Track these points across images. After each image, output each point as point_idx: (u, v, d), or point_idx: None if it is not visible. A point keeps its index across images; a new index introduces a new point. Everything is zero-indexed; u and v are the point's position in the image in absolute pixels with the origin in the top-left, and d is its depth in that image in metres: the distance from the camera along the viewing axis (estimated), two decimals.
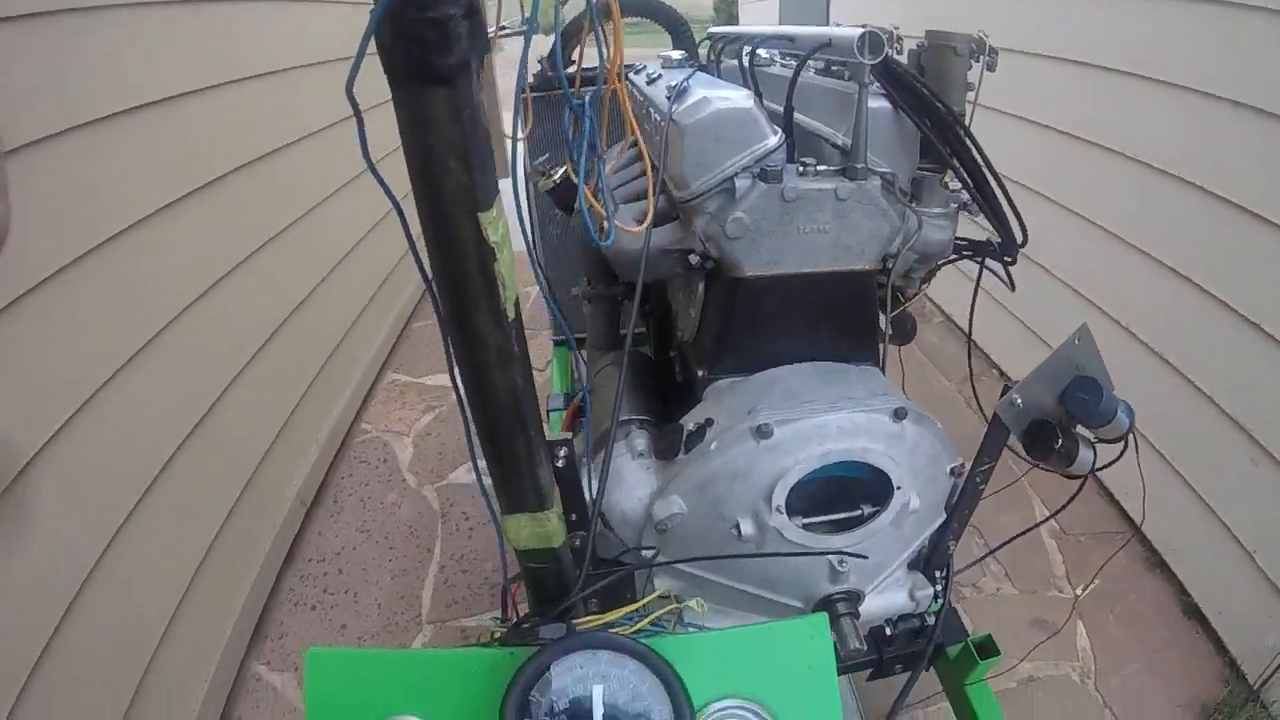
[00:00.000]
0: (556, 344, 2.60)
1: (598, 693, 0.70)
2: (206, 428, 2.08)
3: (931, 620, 1.38)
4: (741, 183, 1.07)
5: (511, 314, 0.58)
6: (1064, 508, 1.34)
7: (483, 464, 0.74)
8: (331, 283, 3.03)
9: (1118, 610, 2.21)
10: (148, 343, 1.88)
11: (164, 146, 2.01)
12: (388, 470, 2.92)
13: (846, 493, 1.12)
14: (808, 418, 1.06)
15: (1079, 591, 1.58)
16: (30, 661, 1.46)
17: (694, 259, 1.11)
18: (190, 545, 2.03)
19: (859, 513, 1.12)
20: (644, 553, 1.10)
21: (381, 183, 0.57)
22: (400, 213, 0.61)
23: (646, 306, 1.58)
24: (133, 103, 1.86)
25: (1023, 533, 1.65)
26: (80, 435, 1.61)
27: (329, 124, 3.06)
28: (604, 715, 0.70)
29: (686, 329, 1.23)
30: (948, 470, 1.20)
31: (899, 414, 1.09)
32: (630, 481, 1.12)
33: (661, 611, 0.81)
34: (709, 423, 1.10)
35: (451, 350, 0.62)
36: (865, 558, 1.10)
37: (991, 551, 1.68)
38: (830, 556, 1.10)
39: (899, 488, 1.11)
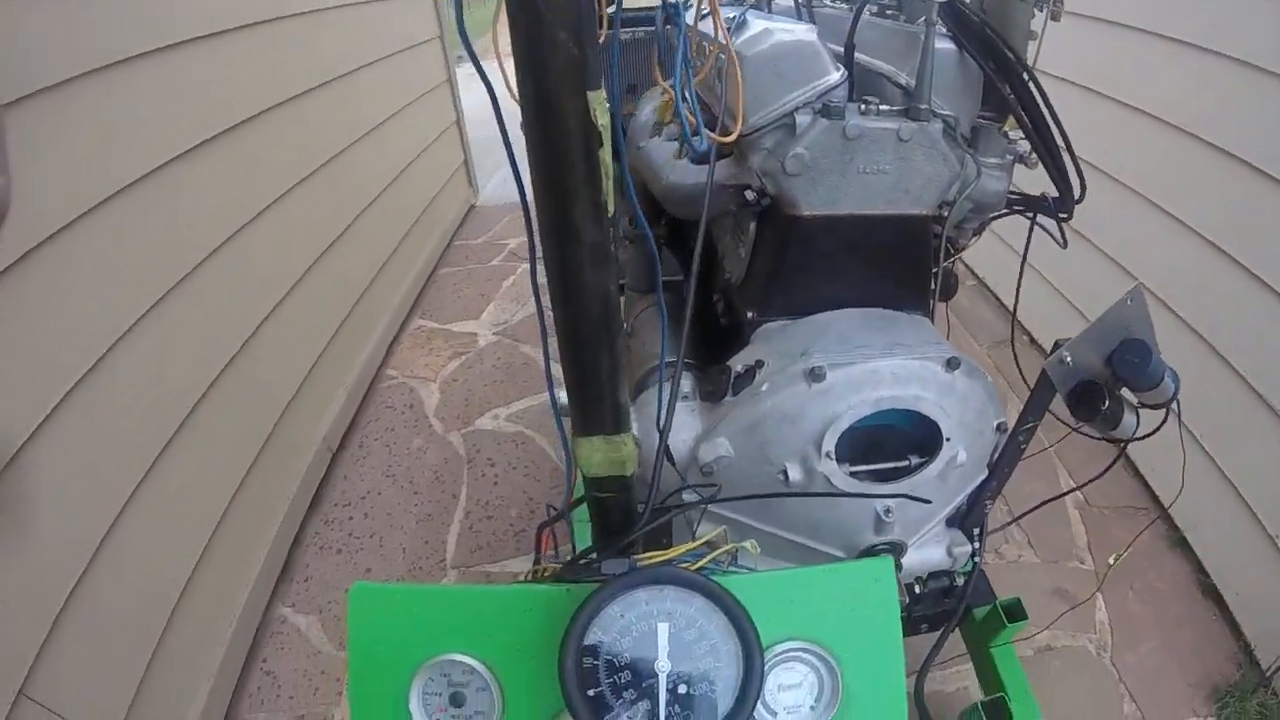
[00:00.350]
0: None
1: (663, 630, 0.67)
2: (233, 373, 2.07)
3: (960, 581, 1.37)
4: (802, 118, 1.03)
5: (611, 209, 0.53)
6: (1104, 473, 1.30)
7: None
8: (358, 228, 2.99)
9: (1137, 586, 2.18)
10: (174, 286, 1.86)
11: (189, 89, 1.97)
12: (414, 416, 2.90)
13: (894, 442, 1.09)
14: (862, 363, 1.02)
15: (1111, 560, 1.54)
16: (57, 607, 1.46)
17: (749, 195, 1.06)
18: (217, 490, 2.02)
19: (907, 463, 1.09)
20: (703, 492, 1.06)
21: (473, 57, 0.52)
22: (490, 90, 0.55)
23: (689, 248, 1.53)
24: (158, 44, 1.82)
25: (1053, 498, 1.62)
26: (106, 380, 1.60)
27: (358, 66, 3.01)
28: (669, 653, 0.66)
29: (735, 270, 1.19)
30: (994, 426, 1.16)
31: (952, 364, 1.05)
32: (675, 424, 1.09)
33: (717, 552, 0.77)
34: (759, 364, 1.06)
35: (540, 248, 0.57)
36: (929, 501, 1.06)
37: (1022, 515, 1.64)
38: (876, 506, 1.07)
39: (948, 439, 1.08)
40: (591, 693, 0.66)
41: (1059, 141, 1.14)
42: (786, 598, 0.75)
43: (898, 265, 1.14)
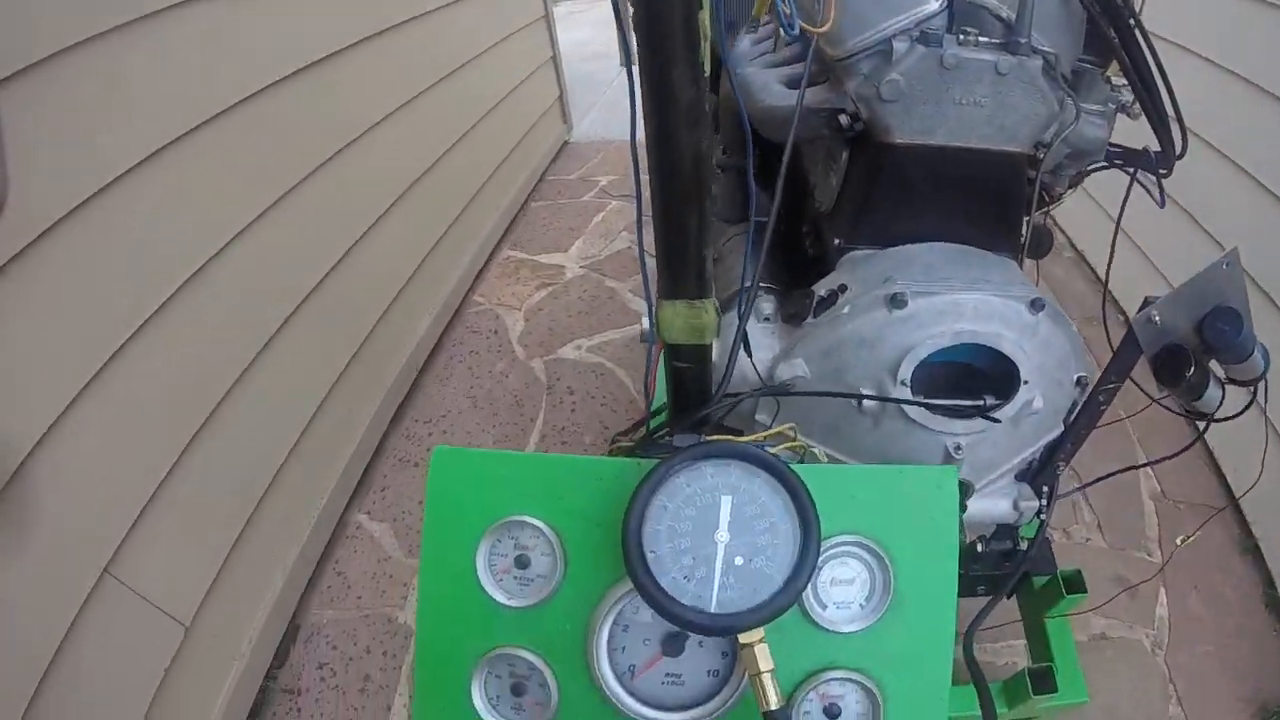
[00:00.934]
0: None
1: (726, 503, 0.68)
2: (325, 290, 2.15)
3: (1023, 545, 1.34)
4: (899, 45, 1.01)
5: (707, 70, 0.54)
6: (1183, 451, 1.25)
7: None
8: (452, 158, 3.05)
9: (1201, 587, 2.10)
10: (278, 200, 1.94)
11: (289, 19, 2.04)
12: (498, 341, 2.96)
13: (969, 380, 1.07)
14: (944, 293, 1.01)
15: (1179, 541, 1.48)
16: (148, 492, 1.55)
17: (843, 120, 1.05)
18: (306, 395, 2.12)
19: (982, 402, 1.07)
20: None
21: None
22: None
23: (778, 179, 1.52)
24: None
25: (1127, 468, 1.56)
26: (203, 291, 1.69)
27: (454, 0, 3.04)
28: (729, 525, 0.68)
29: (824, 198, 1.18)
30: (1074, 379, 1.13)
31: (1036, 305, 1.03)
32: (755, 342, 1.10)
33: (783, 446, 0.78)
34: (842, 289, 1.06)
35: (639, 108, 0.58)
36: (998, 421, 1.04)
37: (1093, 481, 1.58)
38: (946, 442, 1.05)
39: (1025, 382, 1.05)
40: (651, 554, 0.68)
41: (1163, 93, 1.08)
42: (849, 492, 0.76)
43: (989, 204, 1.12)
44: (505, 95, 3.68)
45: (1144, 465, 2.27)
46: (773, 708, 0.66)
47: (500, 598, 0.80)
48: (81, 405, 1.40)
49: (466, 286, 3.19)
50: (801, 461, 0.81)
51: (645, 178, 0.73)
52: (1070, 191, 1.30)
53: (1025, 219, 1.19)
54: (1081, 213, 3.11)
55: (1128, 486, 2.31)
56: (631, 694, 0.76)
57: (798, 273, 1.24)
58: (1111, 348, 1.19)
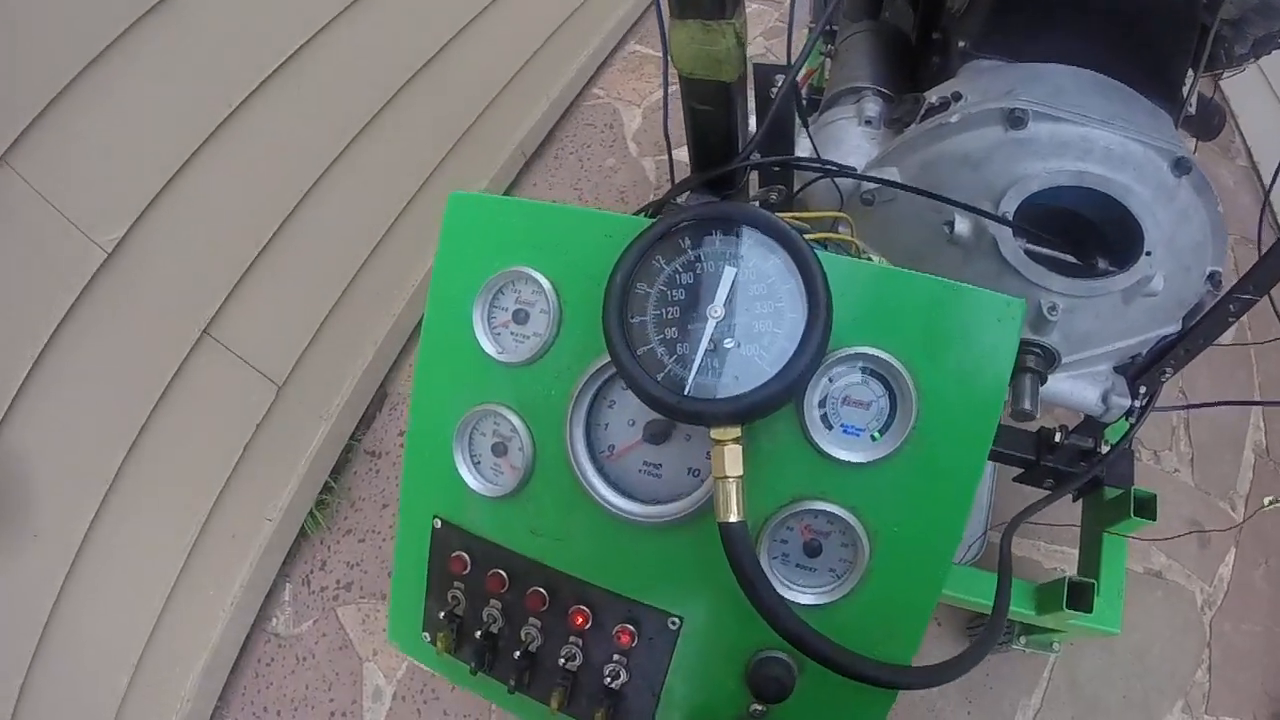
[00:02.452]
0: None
1: (728, 275, 0.54)
2: (436, 66, 1.99)
3: (1105, 449, 1.17)
4: None
5: None
6: None
7: None
8: None
9: (1273, 563, 1.85)
10: None
11: None
12: (612, 136, 2.75)
13: (1081, 234, 0.86)
14: (1073, 123, 0.81)
15: (1266, 502, 1.25)
16: (248, 259, 1.52)
17: None
18: (406, 178, 2.01)
19: (1093, 262, 0.86)
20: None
21: None
22: None
23: None
24: None
25: (1238, 402, 1.30)
26: (312, 59, 1.58)
27: None
28: (726, 301, 0.54)
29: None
30: (1206, 272, 0.91)
31: (1181, 165, 0.82)
32: (849, 145, 0.93)
33: (835, 236, 0.62)
34: (956, 96, 0.87)
35: None
36: (1113, 272, 0.85)
37: (1196, 405, 1.35)
38: (1041, 300, 0.86)
39: (1148, 254, 0.85)
40: (635, 320, 0.56)
41: None
42: (887, 299, 0.62)
43: (1148, 39, 0.91)
44: None
45: (1262, 404, 1.94)
46: (731, 519, 0.54)
47: (491, 350, 0.71)
48: (189, 171, 1.37)
49: (586, 78, 2.92)
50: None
51: None
52: (1251, 60, 1.02)
53: (1191, 74, 0.97)
54: (1268, 114, 2.56)
55: (1233, 430, 2.02)
56: (602, 474, 0.68)
57: (919, 84, 1.03)
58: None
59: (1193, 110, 1.08)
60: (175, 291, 1.42)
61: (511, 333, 0.71)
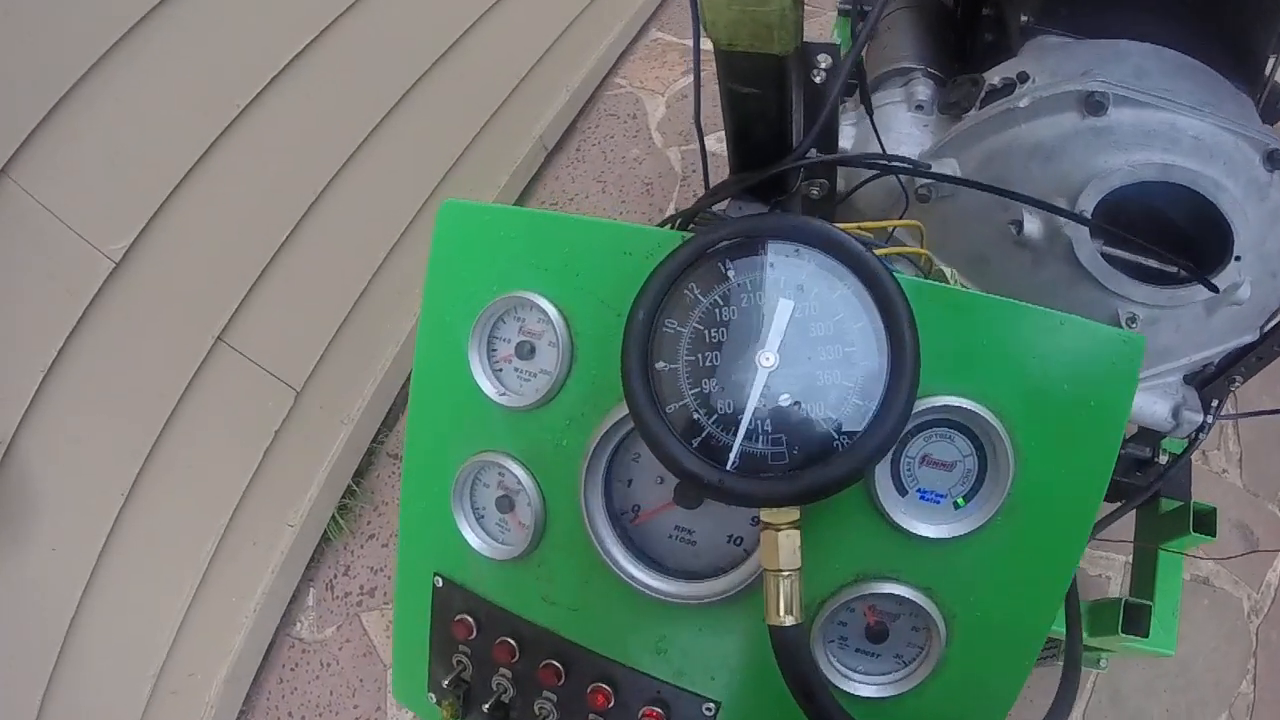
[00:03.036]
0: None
1: (784, 310, 0.39)
2: (454, 58, 1.83)
3: (1164, 459, 1.02)
4: None
5: None
6: None
7: None
8: None
9: None
10: None
11: None
12: (635, 126, 2.55)
13: (1157, 237, 0.71)
14: (1159, 108, 0.64)
15: None
16: (259, 266, 1.42)
17: None
18: (423, 175, 1.86)
19: (1174, 270, 0.71)
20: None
21: None
22: None
23: None
24: None
25: None
26: (325, 52, 1.45)
27: None
28: (781, 346, 0.39)
29: None
30: None
31: (1274, 159, 0.67)
32: (898, 133, 0.77)
33: (910, 249, 0.47)
34: (1022, 78, 0.71)
35: None
36: (1218, 290, 0.70)
37: (1257, 414, 1.19)
38: (1120, 309, 0.71)
39: (1237, 258, 0.69)
40: (662, 367, 0.41)
41: None
42: (978, 335, 0.46)
43: (1228, 16, 0.76)
44: None
45: None
46: (782, 623, 0.40)
47: (491, 392, 0.56)
48: (197, 175, 1.27)
49: (607, 67, 2.70)
50: (925, 276, 0.50)
51: None
52: None
53: (1271, 56, 0.81)
54: None
55: None
56: (624, 542, 0.53)
57: (969, 62, 0.87)
58: None
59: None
60: (187, 299, 1.33)
61: (515, 369, 0.56)
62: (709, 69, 0.51)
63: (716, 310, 0.42)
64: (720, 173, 0.65)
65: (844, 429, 0.40)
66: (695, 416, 0.41)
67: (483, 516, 0.60)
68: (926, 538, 0.47)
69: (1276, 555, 1.67)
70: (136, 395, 1.29)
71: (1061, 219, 0.70)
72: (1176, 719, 1.52)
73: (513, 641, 0.60)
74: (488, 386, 0.56)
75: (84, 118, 1.11)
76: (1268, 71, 0.82)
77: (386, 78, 1.65)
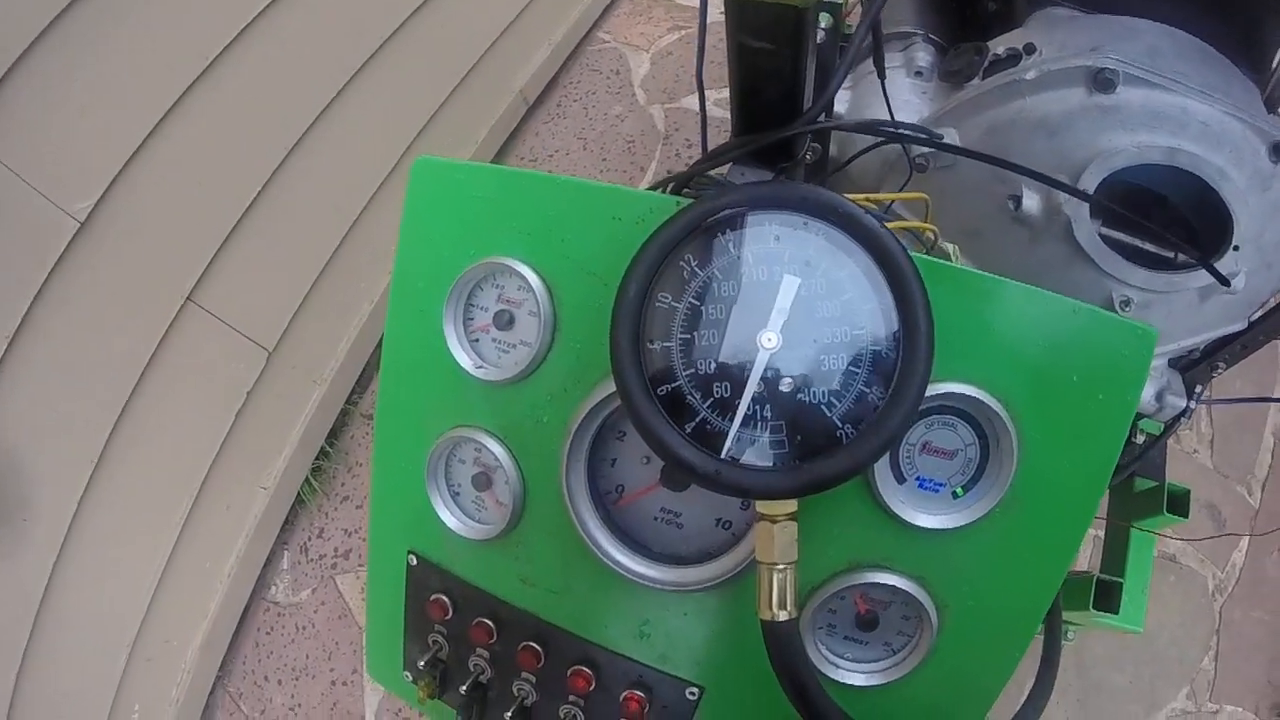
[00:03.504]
0: None
1: (789, 287, 0.36)
2: (431, 9, 1.74)
3: (1141, 439, 1.04)
4: None
5: None
6: None
7: None
8: None
9: None
10: None
11: None
12: (619, 83, 2.45)
13: (1155, 216, 0.69)
14: (1169, 90, 0.61)
15: None
16: (228, 225, 1.36)
17: None
18: (399, 128, 1.78)
19: (1173, 255, 0.69)
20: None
21: None
22: None
23: None
24: None
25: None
26: (297, 5, 1.38)
27: None
28: (784, 324, 0.36)
29: None
30: None
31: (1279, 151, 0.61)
32: (896, 99, 0.74)
33: (918, 224, 0.44)
34: (1029, 49, 0.67)
35: None
36: (1228, 284, 0.69)
37: (1231, 400, 1.19)
38: (1115, 292, 0.69)
39: (1236, 248, 0.66)
40: (654, 345, 0.37)
41: None
42: (985, 319, 0.43)
43: (1243, 2, 0.73)
44: None
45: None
46: (776, 618, 0.37)
47: (467, 364, 0.52)
48: (164, 131, 1.21)
49: (591, 21, 2.59)
50: (927, 253, 0.47)
51: None
52: None
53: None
54: None
55: (1253, 415, 1.86)
56: (608, 524, 0.50)
57: (972, 30, 0.83)
58: None
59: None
60: (155, 259, 1.27)
61: (494, 340, 0.53)
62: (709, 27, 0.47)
63: (715, 285, 0.38)
64: (717, 136, 0.61)
65: (849, 419, 0.37)
66: (689, 400, 0.38)
67: (458, 494, 0.57)
68: (923, 528, 0.44)
69: (1243, 536, 1.70)
70: (105, 358, 1.24)
71: (1061, 197, 0.67)
72: (1139, 691, 1.55)
73: (490, 623, 0.57)
74: (463, 359, 0.52)
75: (46, 75, 1.06)
76: (1275, 62, 0.80)
77: (362, 28, 1.57)
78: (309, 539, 1.66)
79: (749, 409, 0.37)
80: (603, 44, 2.59)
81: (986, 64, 0.71)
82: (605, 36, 2.61)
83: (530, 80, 2.26)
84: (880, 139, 0.61)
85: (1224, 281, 0.65)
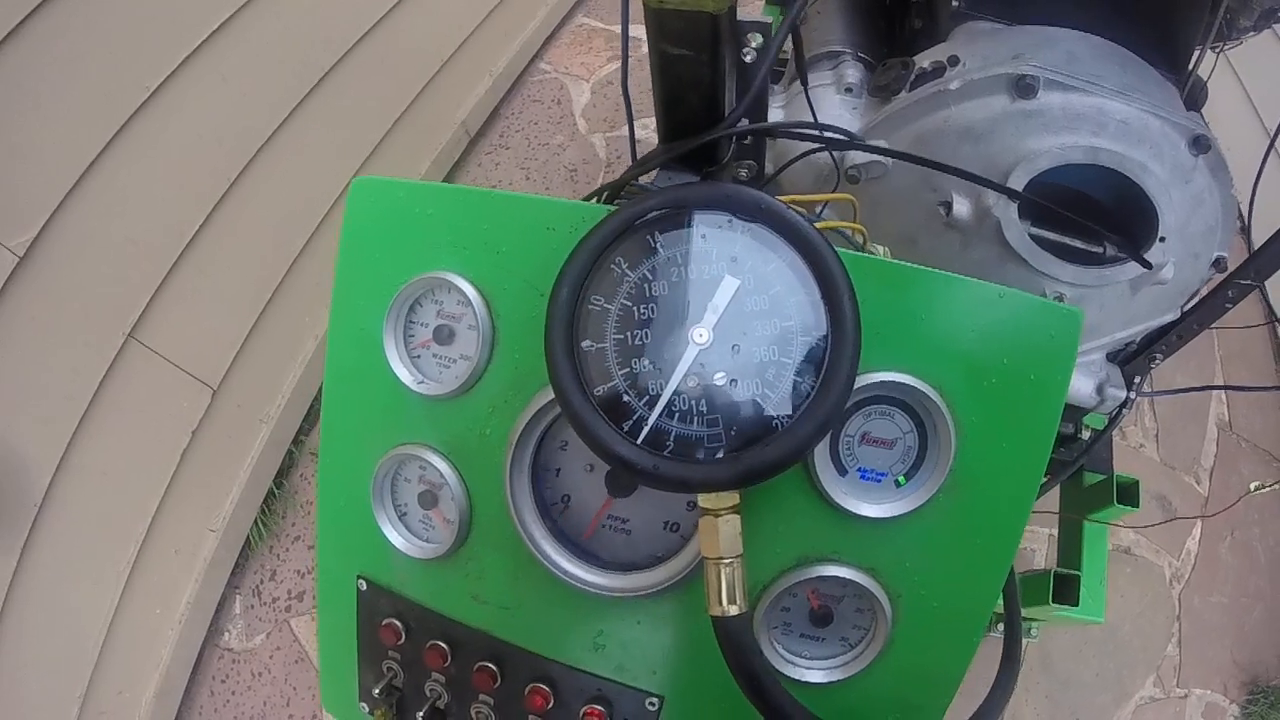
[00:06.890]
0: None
1: (727, 287, 0.36)
2: (372, 42, 1.75)
3: (1087, 434, 1.05)
4: None
5: None
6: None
7: None
8: None
9: (1238, 536, 1.77)
10: None
11: None
12: (560, 113, 2.48)
13: (1084, 214, 0.72)
14: (1088, 93, 0.65)
15: (1252, 487, 1.15)
16: (168, 261, 1.34)
17: None
18: (341, 161, 1.77)
19: (1100, 250, 0.72)
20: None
21: None
22: None
23: None
24: None
25: (1208, 387, 1.19)
26: (237, 39, 1.38)
27: None
28: (718, 322, 0.37)
29: None
30: (1213, 257, 0.77)
31: (1200, 144, 0.69)
32: (828, 115, 0.77)
33: (847, 224, 0.45)
34: (953, 61, 0.70)
35: None
36: (1150, 266, 0.72)
37: (1173, 391, 1.24)
38: (1046, 288, 0.71)
39: (1162, 239, 0.70)
40: (589, 347, 0.38)
41: None
42: (916, 309, 0.44)
43: (1159, 7, 0.77)
44: None
45: (1223, 388, 1.85)
46: (726, 613, 0.37)
47: (408, 380, 0.52)
48: (103, 164, 1.19)
49: (532, 52, 2.62)
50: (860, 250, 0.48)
51: None
52: (1252, 33, 0.88)
53: (1196, 47, 0.82)
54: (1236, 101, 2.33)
55: (1196, 404, 1.92)
56: (555, 535, 0.49)
57: (898, 47, 0.86)
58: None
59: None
60: (96, 295, 1.24)
61: (434, 355, 0.52)
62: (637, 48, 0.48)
63: (645, 285, 0.39)
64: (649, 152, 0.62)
65: (784, 408, 0.38)
66: (625, 398, 0.38)
67: (405, 514, 0.56)
68: (868, 518, 0.45)
69: (1195, 524, 1.75)
70: (44, 397, 1.20)
71: (990, 199, 0.70)
72: (1106, 682, 1.57)
73: (444, 645, 0.56)
74: (405, 374, 0.52)
75: None
76: (1192, 62, 0.85)
77: (303, 60, 1.56)
78: (261, 581, 1.61)
79: (685, 404, 0.37)
80: (544, 74, 2.61)
81: (913, 77, 0.74)
82: (546, 67, 2.64)
83: (472, 112, 2.27)
84: (813, 146, 0.63)
85: (1145, 265, 0.67)
